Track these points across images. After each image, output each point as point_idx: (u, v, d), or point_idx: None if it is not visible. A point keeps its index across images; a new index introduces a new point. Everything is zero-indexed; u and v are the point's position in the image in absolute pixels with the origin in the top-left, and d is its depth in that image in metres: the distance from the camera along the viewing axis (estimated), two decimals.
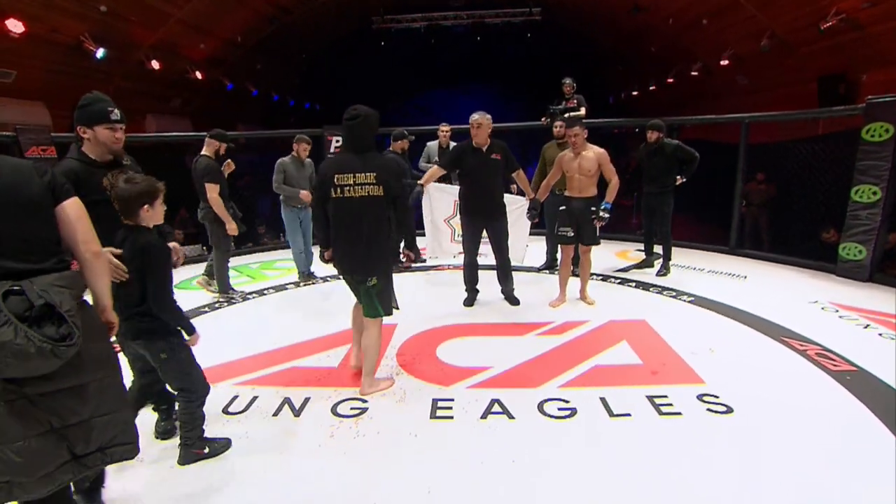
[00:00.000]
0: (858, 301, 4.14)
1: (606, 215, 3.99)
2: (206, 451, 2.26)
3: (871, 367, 2.95)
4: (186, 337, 2.14)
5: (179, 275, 5.69)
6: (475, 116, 3.96)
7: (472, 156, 4.06)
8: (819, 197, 5.49)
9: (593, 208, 4.03)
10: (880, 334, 3.48)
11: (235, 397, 2.82)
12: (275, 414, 2.65)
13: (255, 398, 2.81)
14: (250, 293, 4.85)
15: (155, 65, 8.72)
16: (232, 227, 4.36)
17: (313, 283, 5.17)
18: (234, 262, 6.31)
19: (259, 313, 4.35)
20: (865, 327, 3.61)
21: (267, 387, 2.95)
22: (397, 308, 2.95)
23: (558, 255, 4.63)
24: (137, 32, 8.13)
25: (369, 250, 2.68)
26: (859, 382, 2.80)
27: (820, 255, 5.25)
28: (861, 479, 2.03)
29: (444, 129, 5.74)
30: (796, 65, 8.12)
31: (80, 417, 1.47)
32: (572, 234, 4.16)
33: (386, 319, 2.89)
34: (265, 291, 4.91)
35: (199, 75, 9.93)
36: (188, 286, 5.28)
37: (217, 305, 4.51)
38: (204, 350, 3.40)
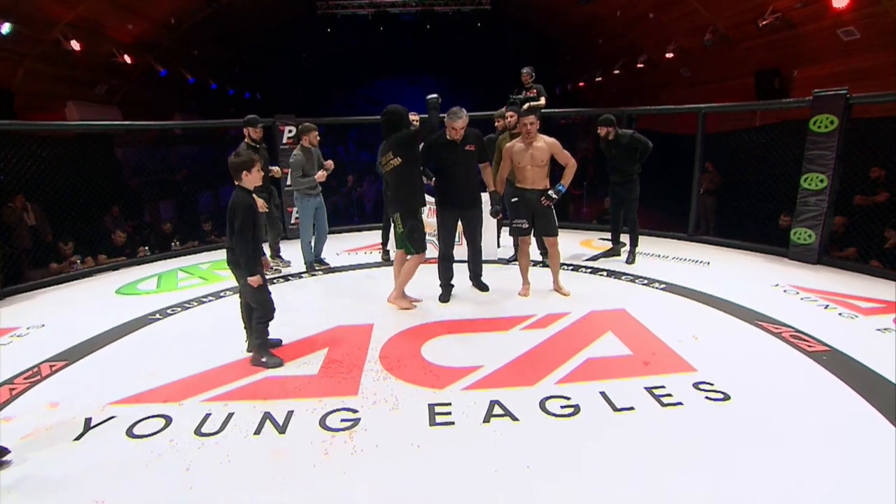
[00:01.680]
0: (814, 283, 4.37)
1: (556, 196, 3.98)
2: (264, 360, 3.02)
3: (842, 347, 3.09)
4: (249, 278, 2.91)
5: (128, 276, 5.13)
6: (457, 123, 3.79)
7: (446, 151, 3.94)
8: (768, 184, 5.78)
9: (549, 192, 3.99)
10: (840, 314, 3.68)
11: (208, 415, 2.53)
12: (256, 432, 2.39)
13: (230, 415, 2.53)
14: (205, 296, 4.45)
15: (74, 45, 7.77)
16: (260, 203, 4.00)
17: (287, 281, 4.87)
18: (182, 262, 5.82)
19: (218, 318, 3.92)
20: (826, 308, 3.81)
21: (242, 401, 2.67)
22: (423, 249, 3.91)
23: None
24: (51, 7, 7.19)
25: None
26: (835, 362, 2.92)
27: (772, 239, 5.53)
28: (861, 457, 2.08)
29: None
30: (736, 59, 8.52)
31: None
32: (527, 225, 4.14)
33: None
34: (222, 293, 4.51)
35: (127, 59, 9.01)
36: (132, 291, 4.78)
37: (170, 312, 4.09)
38: (161, 363, 3.09)
